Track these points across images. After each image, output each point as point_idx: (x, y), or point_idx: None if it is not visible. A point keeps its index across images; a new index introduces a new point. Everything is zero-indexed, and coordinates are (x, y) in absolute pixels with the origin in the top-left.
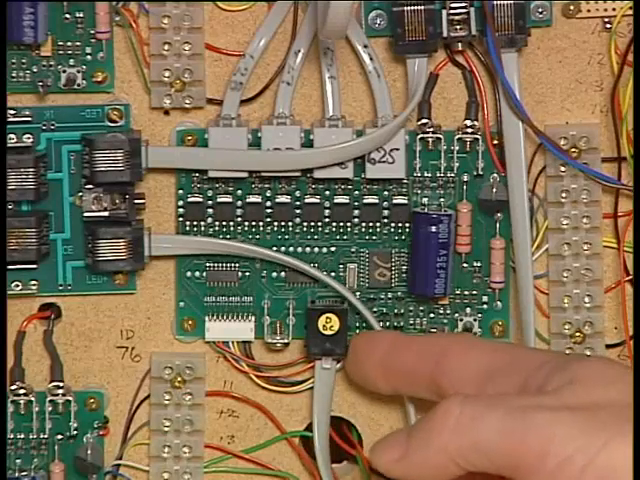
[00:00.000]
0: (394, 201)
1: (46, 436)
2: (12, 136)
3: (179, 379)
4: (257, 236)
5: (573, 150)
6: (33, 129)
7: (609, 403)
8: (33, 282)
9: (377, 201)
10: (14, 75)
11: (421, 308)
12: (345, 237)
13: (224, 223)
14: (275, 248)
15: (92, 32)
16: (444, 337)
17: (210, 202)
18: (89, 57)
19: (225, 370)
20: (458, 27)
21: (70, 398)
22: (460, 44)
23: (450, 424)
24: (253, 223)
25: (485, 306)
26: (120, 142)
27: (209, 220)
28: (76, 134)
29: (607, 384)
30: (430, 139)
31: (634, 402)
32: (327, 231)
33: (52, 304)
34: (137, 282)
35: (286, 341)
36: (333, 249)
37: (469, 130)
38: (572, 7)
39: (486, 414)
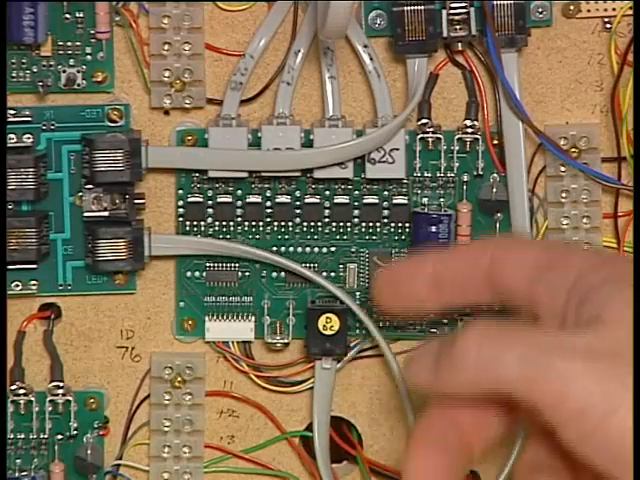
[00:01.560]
0: (394, 201)
1: (46, 436)
2: (12, 136)
3: (179, 379)
4: (257, 236)
5: (573, 150)
6: (33, 129)
7: (630, 351)
8: (33, 282)
9: (377, 201)
10: (14, 75)
11: None
12: (345, 237)
13: (224, 223)
14: (275, 248)
15: (92, 32)
16: (491, 240)
17: (210, 202)
18: (89, 57)
19: (225, 370)
20: (458, 27)
21: (70, 398)
22: (460, 44)
23: (469, 365)
24: (253, 223)
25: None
26: (120, 142)
27: (209, 220)
28: (76, 134)
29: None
30: (430, 139)
31: (634, 401)
32: (327, 231)
33: (52, 304)
34: (137, 282)
35: (286, 341)
36: (333, 249)
37: (469, 130)
38: (572, 7)
39: (505, 354)
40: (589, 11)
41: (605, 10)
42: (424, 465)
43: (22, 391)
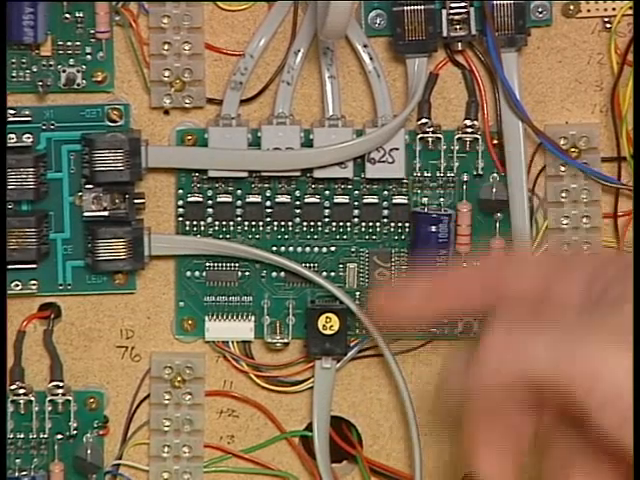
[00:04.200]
0: (394, 201)
1: (46, 436)
2: (12, 136)
3: (179, 379)
4: (257, 236)
5: (573, 150)
6: (33, 129)
7: None
8: (33, 282)
9: (377, 201)
10: (14, 75)
11: None
12: (345, 237)
13: (224, 223)
14: (275, 248)
15: (92, 32)
16: (486, 263)
17: (210, 202)
18: (89, 57)
19: (225, 370)
20: (458, 27)
21: (70, 398)
22: (460, 44)
23: (498, 353)
24: (253, 223)
25: None
26: (120, 142)
27: (209, 220)
28: (76, 134)
29: None
30: (430, 139)
31: (634, 402)
32: (327, 231)
33: (52, 304)
34: (137, 282)
35: (286, 341)
36: (333, 249)
37: (469, 130)
38: (572, 7)
39: (533, 340)
40: (589, 11)
41: (605, 10)
42: (498, 469)
43: (22, 391)
